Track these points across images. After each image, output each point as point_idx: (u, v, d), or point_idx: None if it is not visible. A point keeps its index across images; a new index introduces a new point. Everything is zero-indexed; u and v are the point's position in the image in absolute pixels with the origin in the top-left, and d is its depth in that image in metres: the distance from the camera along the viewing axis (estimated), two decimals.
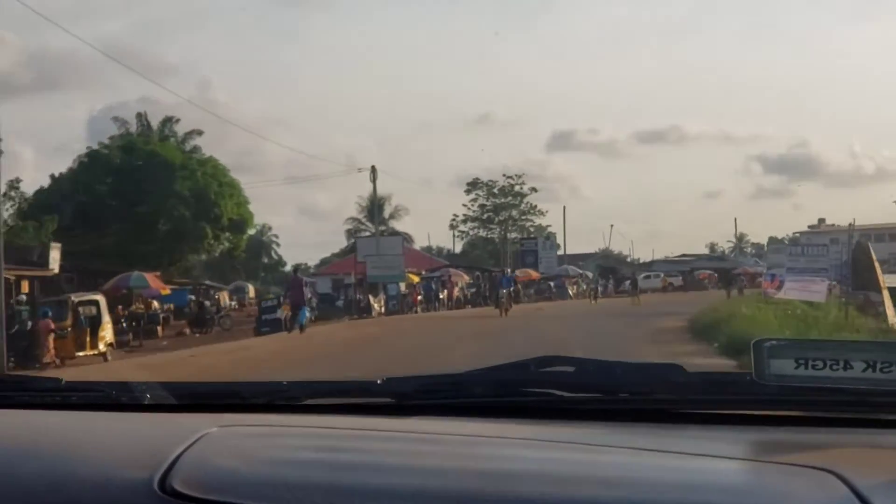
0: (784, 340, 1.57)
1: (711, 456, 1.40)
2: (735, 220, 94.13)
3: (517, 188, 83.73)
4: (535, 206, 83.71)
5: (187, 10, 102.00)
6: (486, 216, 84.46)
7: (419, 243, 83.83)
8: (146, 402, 1.79)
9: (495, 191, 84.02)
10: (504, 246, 73.46)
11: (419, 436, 1.54)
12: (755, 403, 1.61)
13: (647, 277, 69.58)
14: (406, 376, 1.79)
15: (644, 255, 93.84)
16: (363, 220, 79.10)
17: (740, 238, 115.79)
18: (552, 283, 54.55)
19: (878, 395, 1.51)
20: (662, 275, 62.00)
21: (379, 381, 1.76)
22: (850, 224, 29.01)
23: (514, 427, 1.59)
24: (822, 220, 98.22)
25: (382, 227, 79.79)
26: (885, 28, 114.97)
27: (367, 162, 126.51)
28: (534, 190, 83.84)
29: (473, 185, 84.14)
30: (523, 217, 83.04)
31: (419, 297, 43.69)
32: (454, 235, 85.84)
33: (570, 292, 54.11)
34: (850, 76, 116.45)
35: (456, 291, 46.90)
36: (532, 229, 78.76)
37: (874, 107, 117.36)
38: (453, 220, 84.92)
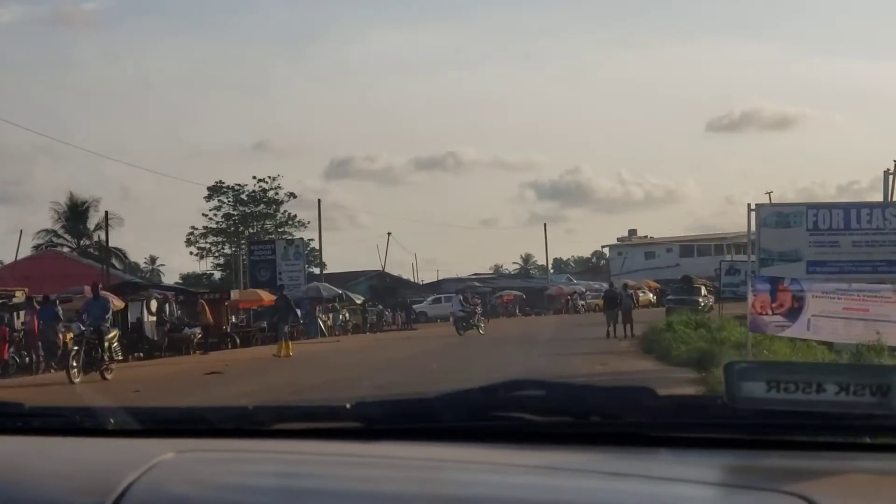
0: (755, 363, 1.58)
1: (682, 480, 1.42)
2: (545, 227, 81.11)
3: (271, 194, 66.11)
4: (295, 216, 66.28)
5: None
6: (231, 228, 66.20)
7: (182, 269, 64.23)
8: (109, 428, 1.81)
9: (243, 196, 66.03)
10: (241, 261, 54.74)
11: (386, 461, 1.58)
12: (726, 427, 1.60)
13: (438, 301, 52.72)
14: (376, 400, 1.80)
15: (428, 277, 77.78)
16: (60, 231, 58.50)
17: (527, 259, 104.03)
18: (299, 311, 36.31)
19: (851, 419, 1.50)
20: (461, 296, 39.42)
21: (348, 406, 1.75)
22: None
23: (483, 452, 1.60)
24: (633, 231, 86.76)
25: (87, 242, 60.05)
26: (653, 57, 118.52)
27: (138, 198, 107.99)
28: (292, 196, 66.52)
29: (216, 189, 65.74)
30: (280, 230, 65.30)
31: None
32: (191, 253, 66.90)
33: (323, 324, 36.18)
34: (617, 104, 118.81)
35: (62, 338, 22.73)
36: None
37: (641, 135, 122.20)
38: (191, 233, 66.10)
